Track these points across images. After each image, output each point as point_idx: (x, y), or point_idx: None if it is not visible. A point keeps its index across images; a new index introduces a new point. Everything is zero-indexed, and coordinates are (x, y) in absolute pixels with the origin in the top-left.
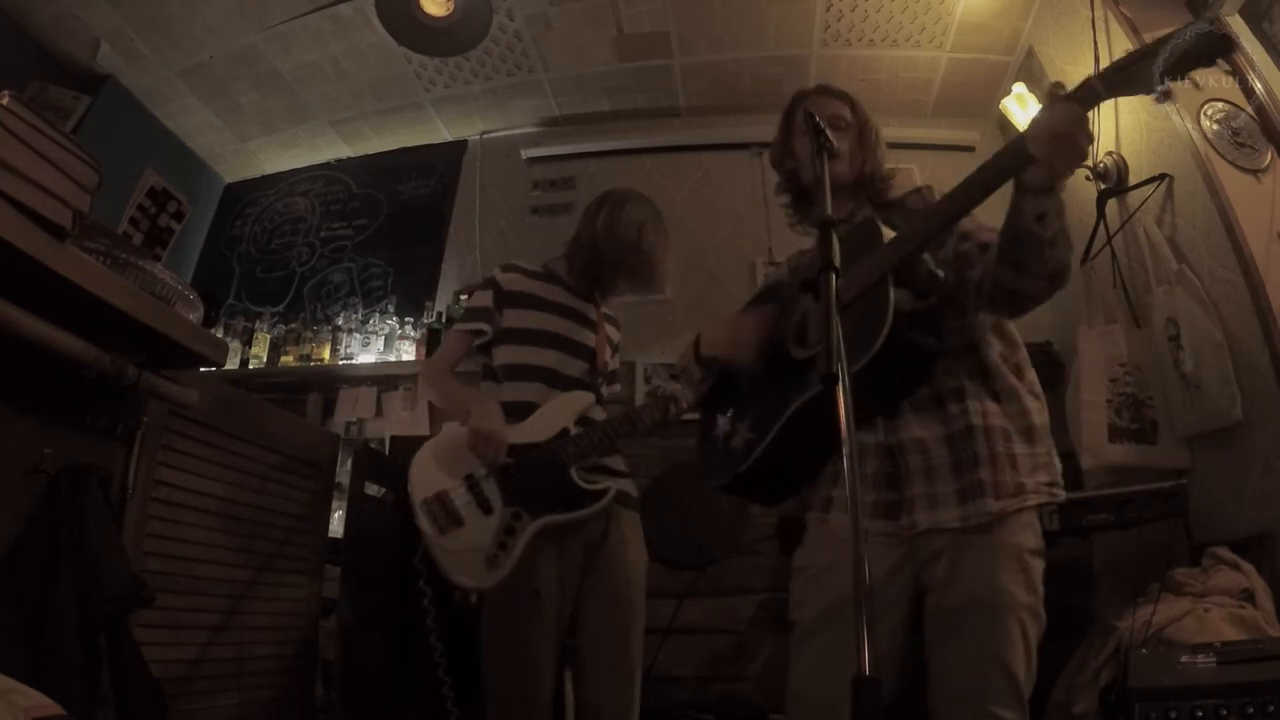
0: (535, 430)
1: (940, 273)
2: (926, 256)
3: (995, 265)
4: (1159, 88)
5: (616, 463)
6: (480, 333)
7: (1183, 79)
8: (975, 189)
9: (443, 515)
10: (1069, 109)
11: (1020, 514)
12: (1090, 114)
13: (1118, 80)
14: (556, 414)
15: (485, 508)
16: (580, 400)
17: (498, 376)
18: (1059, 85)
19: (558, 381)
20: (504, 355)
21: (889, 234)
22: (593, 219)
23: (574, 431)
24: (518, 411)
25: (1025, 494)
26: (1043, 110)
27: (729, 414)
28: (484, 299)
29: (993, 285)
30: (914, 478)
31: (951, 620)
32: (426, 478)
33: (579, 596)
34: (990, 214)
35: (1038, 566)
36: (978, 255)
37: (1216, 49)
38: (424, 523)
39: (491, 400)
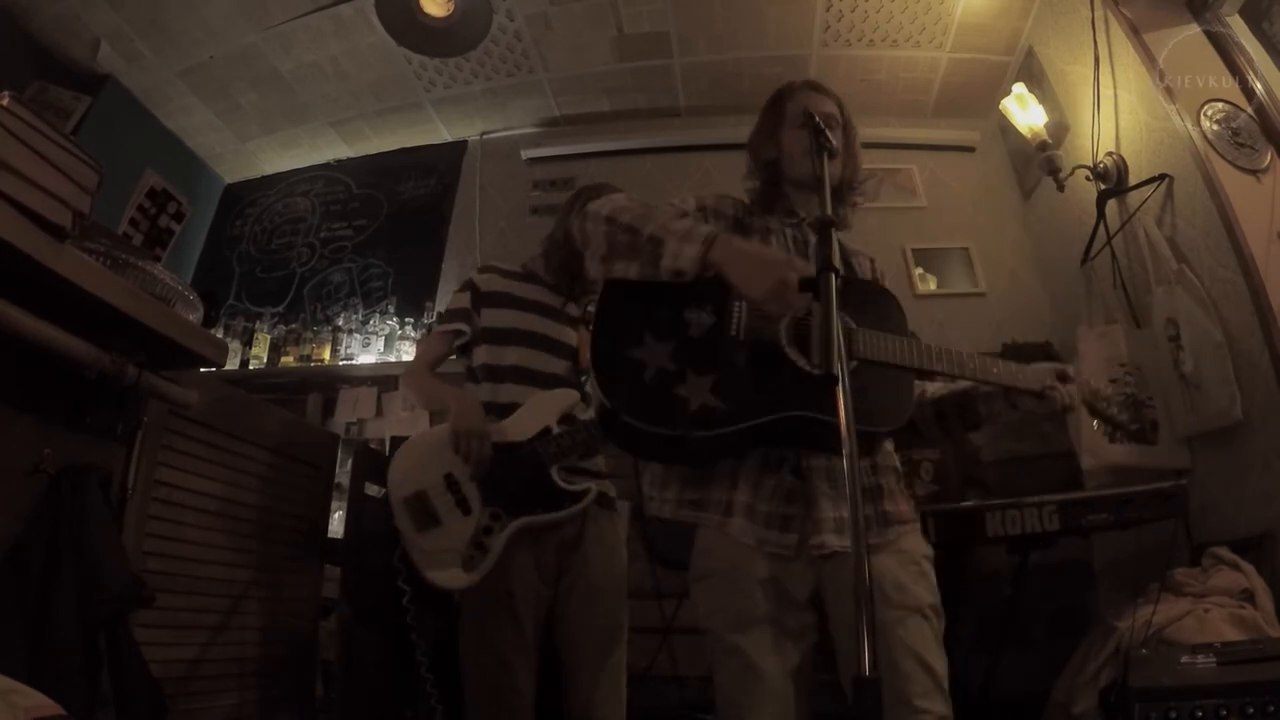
0: (517, 428)
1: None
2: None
3: (927, 423)
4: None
5: (596, 464)
6: (459, 333)
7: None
8: (998, 380)
9: (421, 514)
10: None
11: (913, 531)
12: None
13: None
14: (540, 411)
15: (464, 507)
16: (564, 398)
17: (478, 377)
18: (1092, 388)
19: (538, 380)
20: (483, 355)
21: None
22: (567, 215)
23: (556, 430)
24: (499, 411)
25: (910, 520)
26: (1068, 381)
27: (667, 347)
28: (462, 300)
29: (922, 423)
30: (821, 501)
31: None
32: (406, 476)
33: (556, 598)
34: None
35: (932, 571)
36: None
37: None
38: (402, 521)
39: (472, 398)
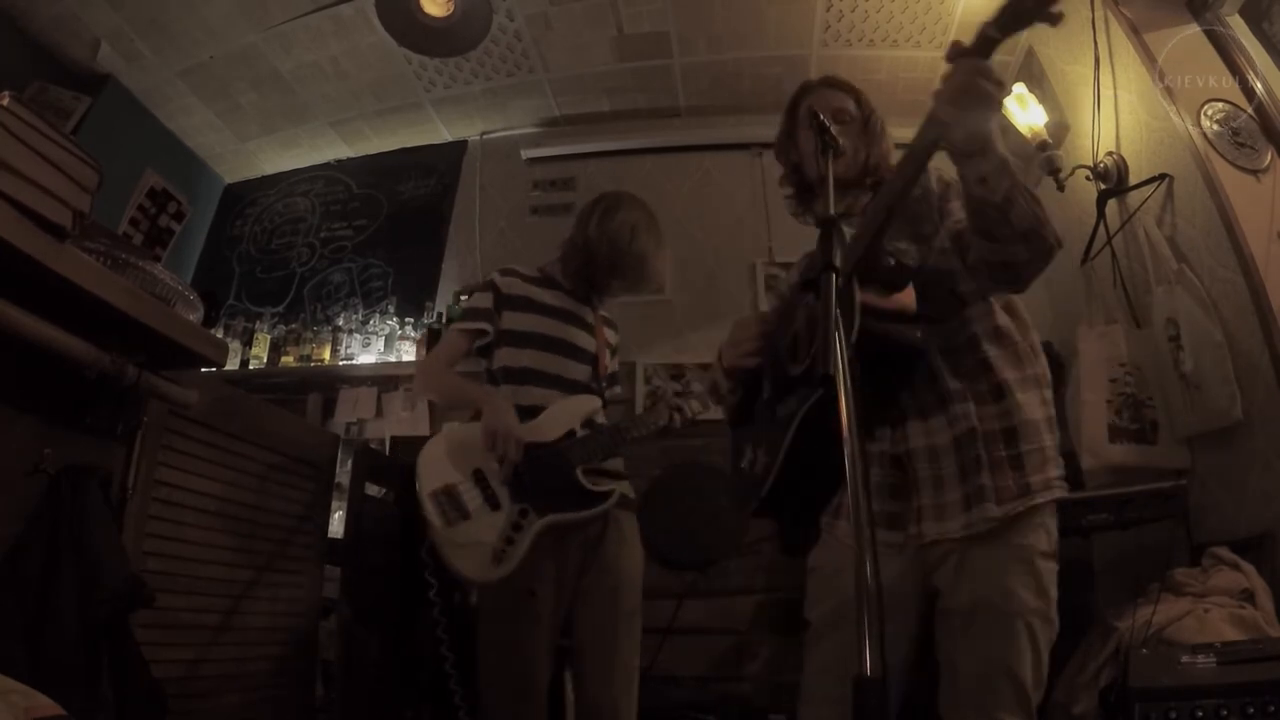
0: (543, 430)
1: (908, 263)
2: (892, 249)
3: (974, 241)
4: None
5: (617, 465)
6: (483, 332)
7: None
8: (903, 169)
9: (450, 508)
10: (966, 62)
11: (1029, 514)
12: (992, 60)
13: (1009, 19)
14: (564, 415)
15: (493, 503)
16: (587, 404)
17: (497, 379)
18: (956, 44)
19: (560, 385)
20: (504, 358)
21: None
22: (586, 222)
23: (580, 434)
24: (523, 414)
25: (1032, 493)
26: (947, 72)
27: (750, 443)
28: (484, 300)
29: (982, 263)
30: (922, 487)
31: (959, 624)
32: (435, 471)
33: (575, 597)
34: None
35: (1048, 569)
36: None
37: None
38: (431, 514)
39: (502, 397)
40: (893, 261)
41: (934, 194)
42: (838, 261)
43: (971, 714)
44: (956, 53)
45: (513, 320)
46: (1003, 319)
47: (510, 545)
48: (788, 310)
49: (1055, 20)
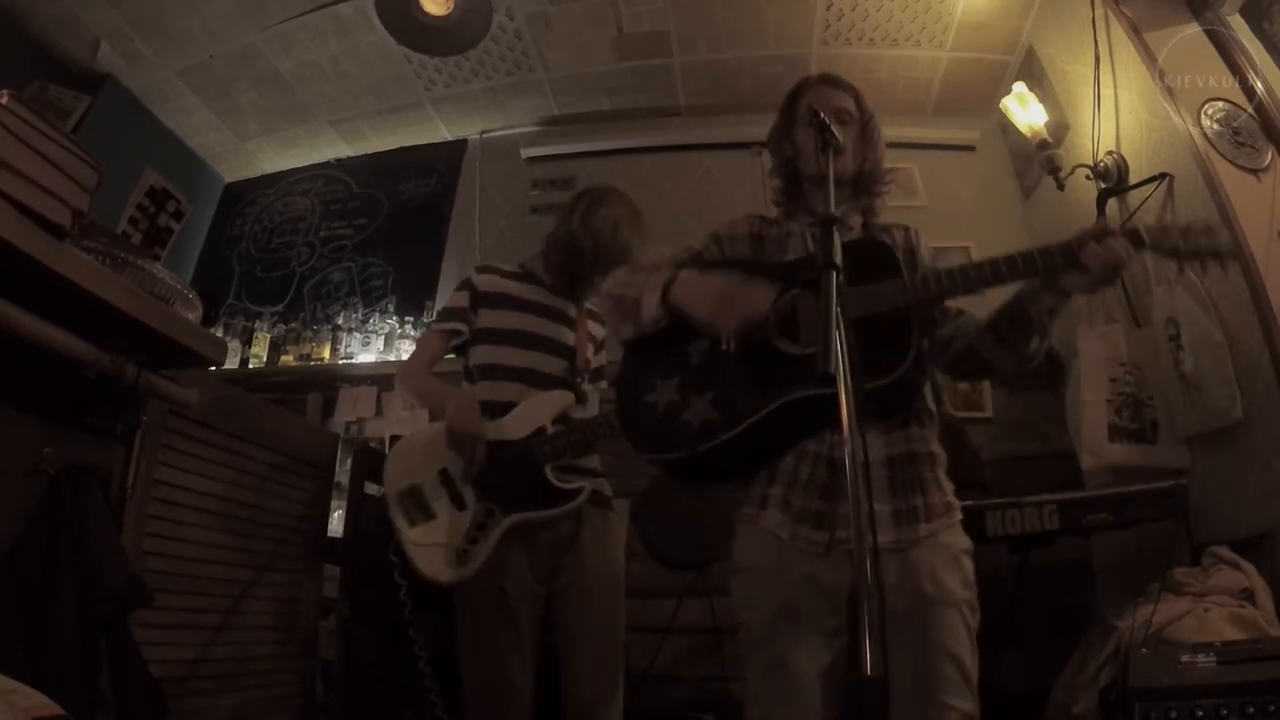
0: (512, 427)
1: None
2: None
3: (978, 334)
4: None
5: (591, 462)
6: (456, 333)
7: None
8: (1013, 271)
9: (414, 508)
10: (1127, 246)
11: (948, 527)
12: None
13: (1172, 250)
14: (534, 412)
15: (458, 503)
16: (559, 399)
17: (474, 377)
18: (1134, 230)
19: (536, 380)
20: (480, 356)
21: (898, 258)
22: (570, 216)
23: (551, 430)
24: (496, 410)
25: (953, 511)
26: (1108, 237)
27: (674, 381)
28: (460, 299)
29: (966, 350)
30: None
31: (899, 619)
32: (401, 471)
33: (552, 596)
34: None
35: (970, 565)
36: (949, 315)
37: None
38: (396, 515)
39: (468, 397)
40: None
41: (909, 234)
42: (837, 259)
43: (919, 703)
44: (1130, 235)
45: (489, 318)
46: (928, 354)
47: (474, 545)
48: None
49: (1200, 274)
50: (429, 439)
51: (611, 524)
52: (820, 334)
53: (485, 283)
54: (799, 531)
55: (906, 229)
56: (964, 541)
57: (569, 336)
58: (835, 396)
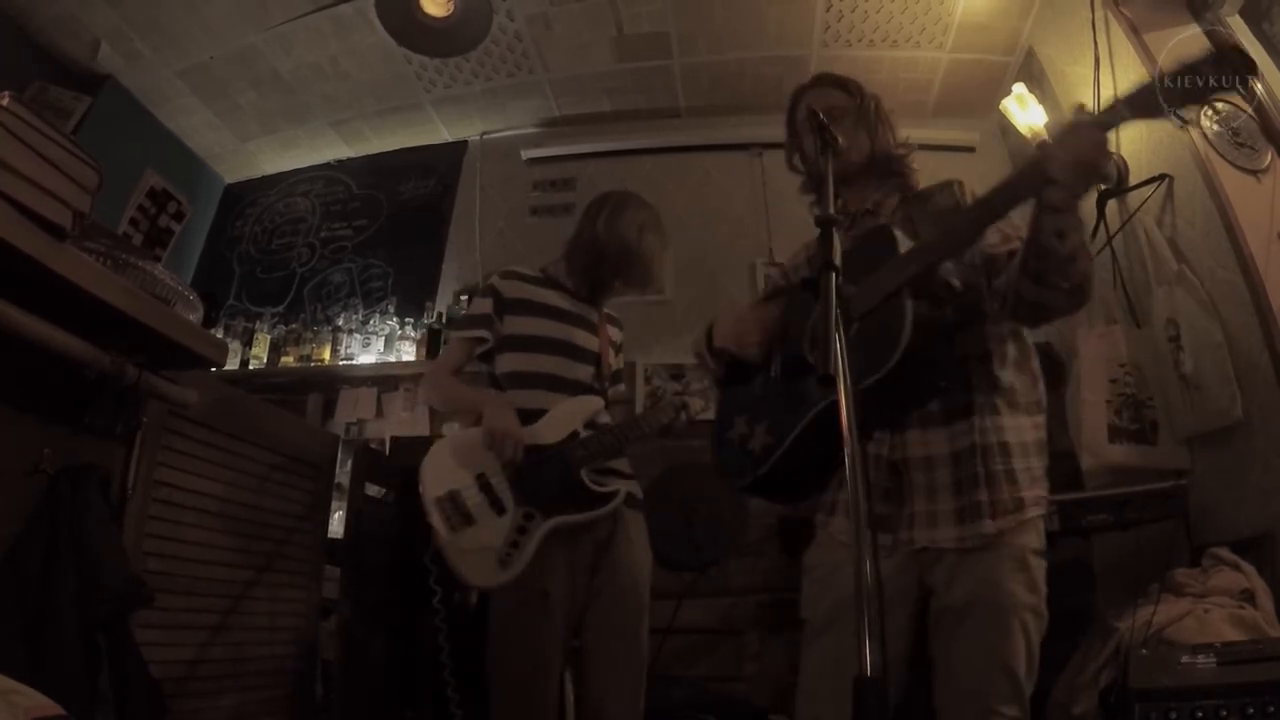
0: (545, 432)
1: (955, 282)
2: (946, 270)
3: (1018, 277)
4: (1179, 111)
5: (622, 465)
6: (482, 340)
7: (1204, 103)
8: (992, 207)
9: (455, 514)
10: (1092, 133)
11: (1019, 526)
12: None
13: (1142, 103)
14: (566, 417)
15: (498, 507)
16: (590, 405)
17: (501, 385)
18: (1082, 108)
19: (563, 387)
20: (507, 363)
21: (903, 241)
22: (593, 220)
23: (584, 434)
24: (525, 418)
25: (1024, 509)
26: (1064, 132)
27: (745, 415)
28: (484, 306)
29: (1015, 296)
30: (916, 494)
31: (954, 620)
32: (439, 476)
33: (587, 597)
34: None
35: (1039, 566)
36: (1006, 261)
37: (1238, 72)
38: (437, 521)
39: (504, 399)
40: (943, 280)
41: (954, 189)
42: (837, 260)
43: (968, 707)
44: (1082, 119)
45: (514, 324)
46: (1013, 341)
47: (515, 549)
48: (802, 302)
49: (1180, 124)
50: (462, 443)
51: (642, 525)
52: (820, 337)
53: (509, 289)
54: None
55: (951, 185)
56: (1035, 542)
57: (593, 342)
58: (876, 394)
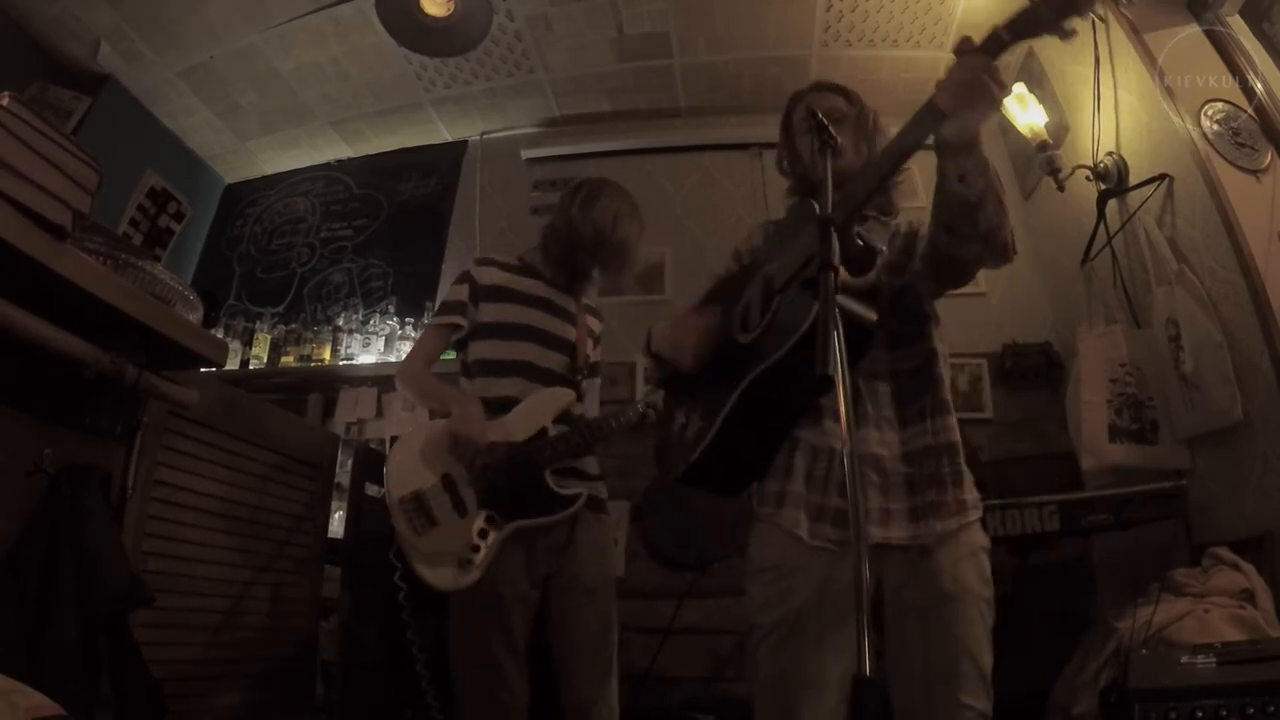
0: (514, 428)
1: (880, 246)
2: (860, 231)
3: (931, 231)
4: (1064, 25)
5: (589, 465)
6: (456, 327)
7: (1083, 14)
8: (893, 154)
9: (419, 515)
10: (973, 58)
11: (968, 525)
12: (999, 61)
13: (1021, 24)
14: (536, 411)
15: (460, 509)
16: (561, 397)
17: (473, 372)
18: (965, 39)
19: (536, 375)
20: (480, 350)
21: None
22: (568, 207)
23: (552, 432)
24: (497, 406)
25: (966, 510)
26: (950, 66)
27: (684, 408)
28: (459, 293)
29: (932, 251)
30: (868, 491)
31: (917, 616)
32: (403, 475)
33: (546, 599)
34: None
35: (988, 563)
36: (918, 235)
37: None
38: (399, 522)
39: (474, 401)
40: (862, 243)
41: (910, 234)
42: (836, 260)
43: (936, 701)
44: (964, 48)
45: (490, 311)
46: (941, 340)
47: (476, 552)
48: (738, 280)
49: (1066, 35)
50: (427, 441)
51: (606, 528)
52: (819, 337)
53: (485, 275)
54: (819, 530)
55: (916, 228)
56: (983, 539)
57: (569, 331)
58: (789, 372)
